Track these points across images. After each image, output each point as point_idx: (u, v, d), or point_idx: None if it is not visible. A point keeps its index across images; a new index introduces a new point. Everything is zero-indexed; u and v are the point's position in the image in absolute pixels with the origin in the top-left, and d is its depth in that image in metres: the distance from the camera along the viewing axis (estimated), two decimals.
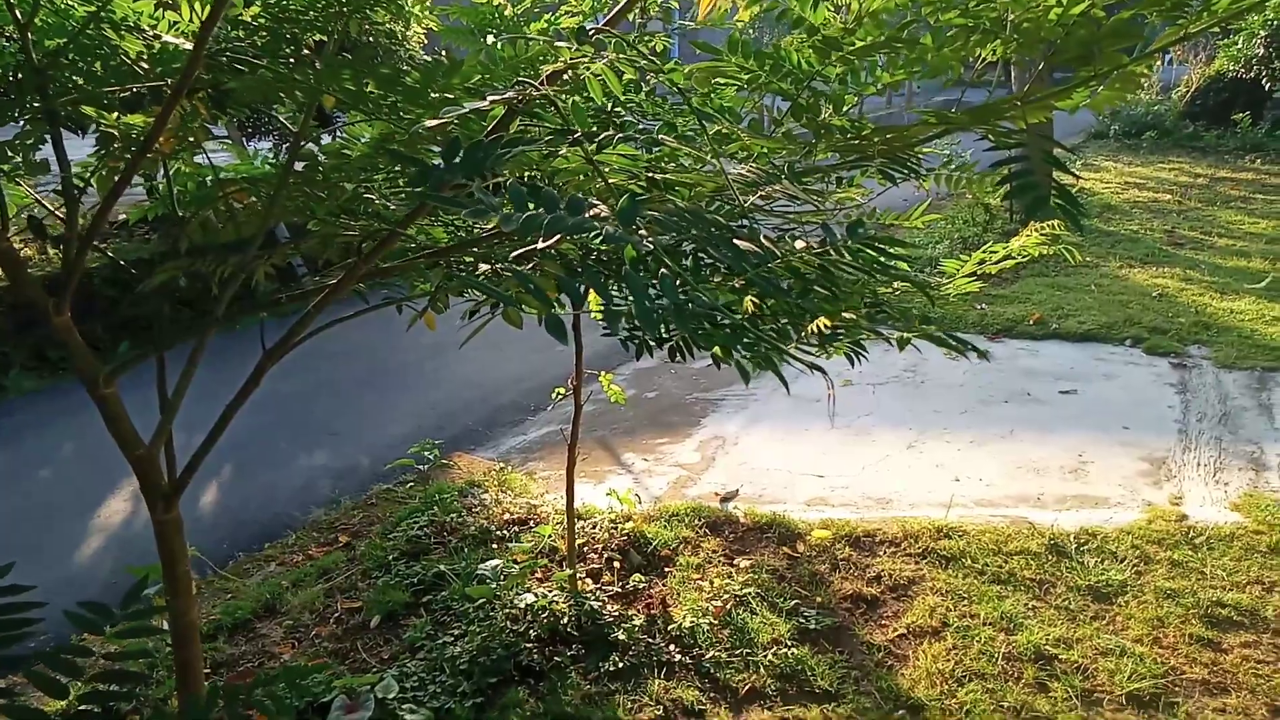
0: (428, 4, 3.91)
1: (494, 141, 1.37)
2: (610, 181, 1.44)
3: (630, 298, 1.15)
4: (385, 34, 7.61)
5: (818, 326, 1.26)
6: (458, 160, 1.34)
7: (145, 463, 1.99)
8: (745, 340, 1.10)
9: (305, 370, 6.30)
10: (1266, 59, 14.01)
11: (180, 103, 2.48)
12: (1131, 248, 8.79)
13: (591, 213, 1.14)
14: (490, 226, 1.92)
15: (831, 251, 1.26)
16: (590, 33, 1.44)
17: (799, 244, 1.28)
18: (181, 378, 2.10)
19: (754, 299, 1.25)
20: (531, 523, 3.93)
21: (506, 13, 3.27)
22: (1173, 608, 3.20)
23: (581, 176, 1.81)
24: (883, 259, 1.27)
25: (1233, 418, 4.94)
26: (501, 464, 4.63)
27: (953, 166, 2.02)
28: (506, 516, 3.95)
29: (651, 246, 1.03)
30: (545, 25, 3.10)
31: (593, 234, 1.02)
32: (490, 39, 2.93)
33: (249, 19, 2.36)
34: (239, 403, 1.96)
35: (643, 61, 1.34)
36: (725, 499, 4.41)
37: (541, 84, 1.38)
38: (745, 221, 1.29)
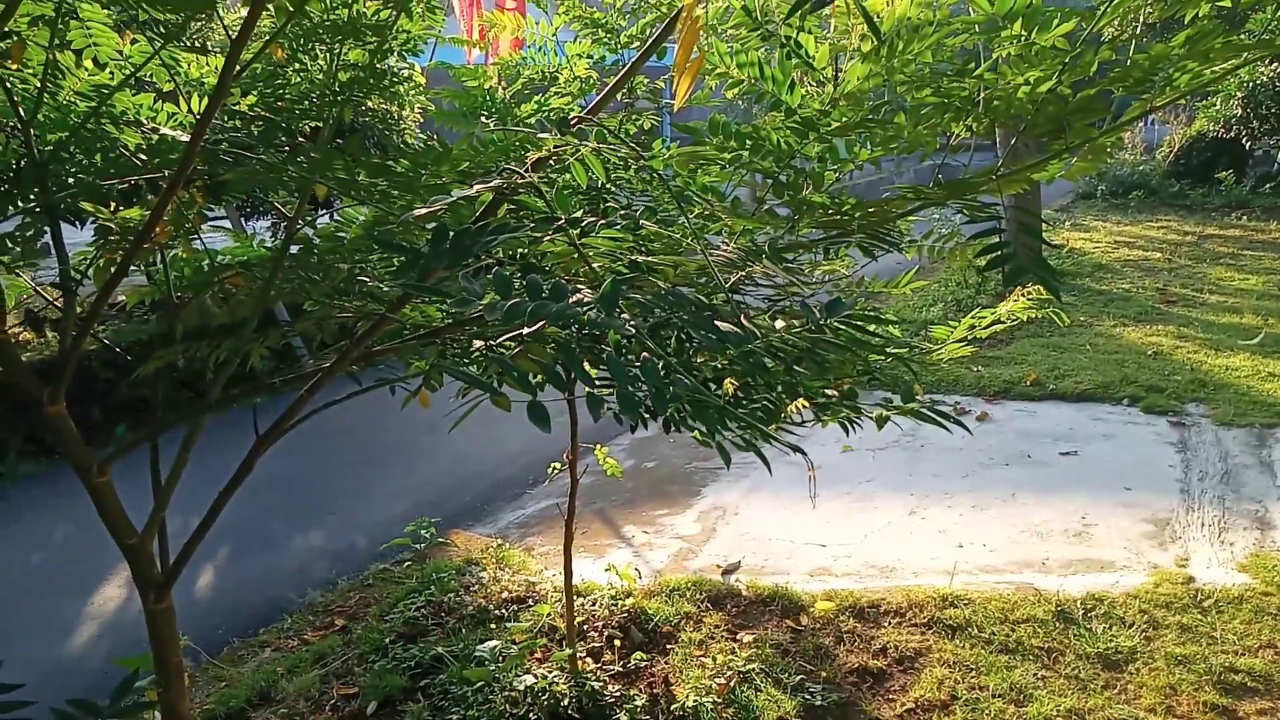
0: (421, 87, 4.01)
1: (480, 229, 1.40)
2: (596, 265, 1.47)
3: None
4: (380, 117, 7.79)
5: (798, 407, 1.27)
6: (445, 247, 1.37)
7: (137, 552, 1.98)
8: (727, 422, 1.10)
9: (302, 449, 6.28)
10: (1245, 119, 14.34)
11: (177, 193, 2.54)
12: (1125, 306, 8.86)
13: (575, 298, 1.16)
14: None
15: (814, 328, 1.28)
16: (573, 121, 1.48)
17: (779, 323, 1.30)
18: (175, 464, 2.10)
19: (736, 378, 1.26)
20: (530, 600, 3.88)
21: (498, 95, 3.35)
22: (1185, 674, 3.13)
23: (572, 257, 1.84)
24: (863, 335, 1.29)
25: (1234, 476, 4.92)
26: (499, 540, 4.58)
27: (934, 237, 2.06)
28: (505, 595, 3.90)
29: (634, 331, 1.04)
30: (536, 106, 3.18)
31: (575, 320, 1.03)
32: (483, 121, 3.01)
33: (245, 109, 2.42)
34: (231, 489, 1.96)
35: (623, 150, 1.38)
36: (727, 571, 4.35)
37: (527, 170, 1.42)
38: (730, 299, 1.31)
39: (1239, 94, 14.21)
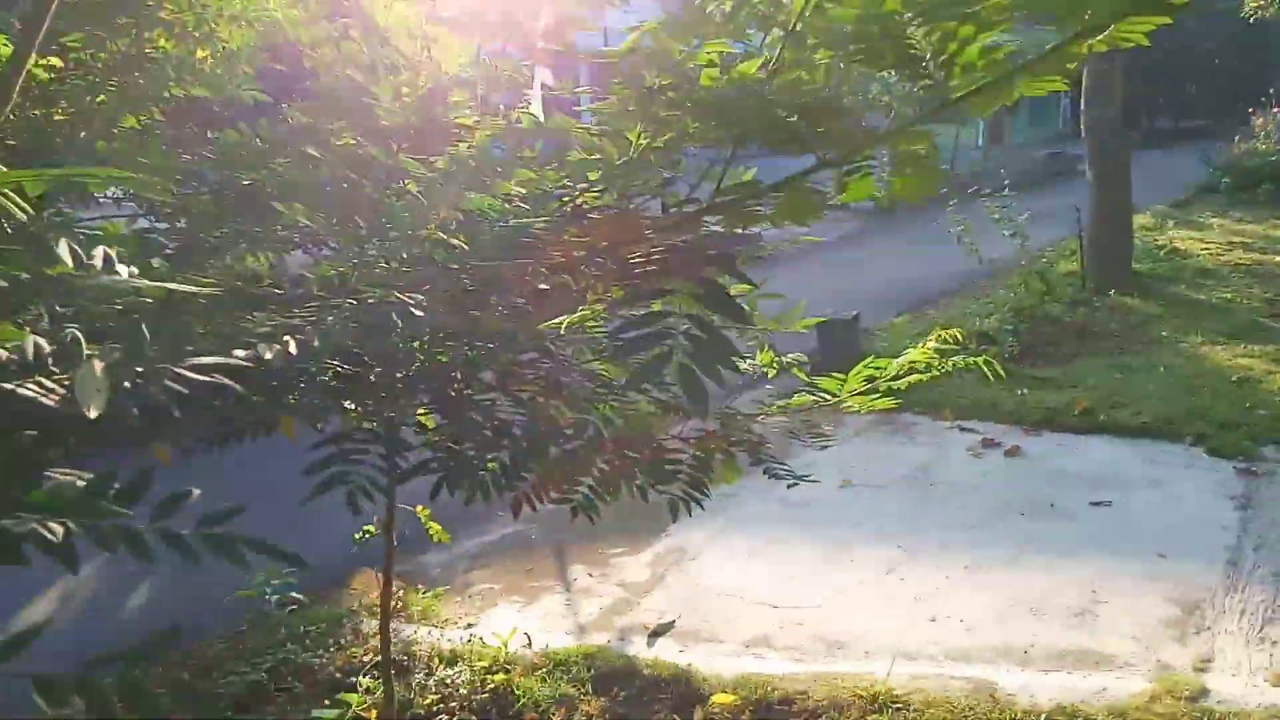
0: None
1: None
2: None
3: None
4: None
5: None
6: None
7: None
8: None
9: (273, 457, 5.99)
10: None
11: None
12: (1220, 319, 7.66)
13: None
14: None
15: None
16: None
17: None
18: None
19: None
20: (402, 661, 3.40)
21: None
22: None
23: None
24: None
25: None
26: (402, 585, 4.05)
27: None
28: (369, 657, 3.42)
29: None
30: None
31: None
32: None
33: None
34: None
35: None
36: (655, 633, 3.79)
37: None
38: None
39: None
